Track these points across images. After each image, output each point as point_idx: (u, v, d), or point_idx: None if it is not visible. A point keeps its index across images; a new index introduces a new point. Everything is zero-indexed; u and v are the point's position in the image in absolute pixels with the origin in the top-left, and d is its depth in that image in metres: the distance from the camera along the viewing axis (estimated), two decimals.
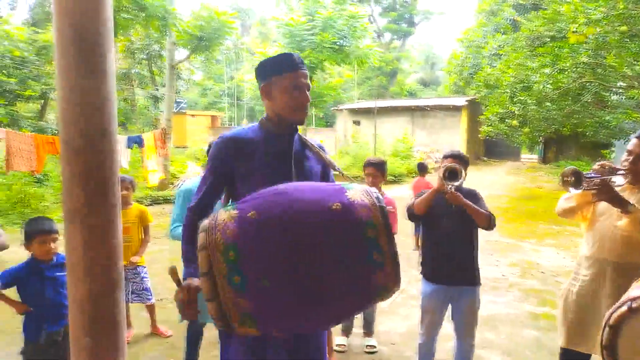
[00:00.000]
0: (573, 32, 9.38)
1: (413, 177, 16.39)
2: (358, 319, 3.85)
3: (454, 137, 21.79)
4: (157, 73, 19.46)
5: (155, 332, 3.85)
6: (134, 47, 18.38)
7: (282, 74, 1.79)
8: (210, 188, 1.82)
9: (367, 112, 23.38)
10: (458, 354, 2.98)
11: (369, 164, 3.61)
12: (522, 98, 10.91)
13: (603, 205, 2.42)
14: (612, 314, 1.18)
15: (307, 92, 1.85)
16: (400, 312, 4.51)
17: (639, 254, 2.35)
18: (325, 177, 2.04)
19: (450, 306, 2.94)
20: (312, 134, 24.91)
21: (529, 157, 26.95)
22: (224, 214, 1.40)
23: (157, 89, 19.40)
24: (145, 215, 3.85)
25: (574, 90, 10.92)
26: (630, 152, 2.38)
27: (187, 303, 1.61)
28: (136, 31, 16.82)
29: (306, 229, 1.33)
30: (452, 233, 2.83)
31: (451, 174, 2.60)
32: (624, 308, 1.14)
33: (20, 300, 2.60)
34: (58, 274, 2.58)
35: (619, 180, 2.43)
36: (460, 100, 22.24)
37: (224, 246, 1.32)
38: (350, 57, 18.61)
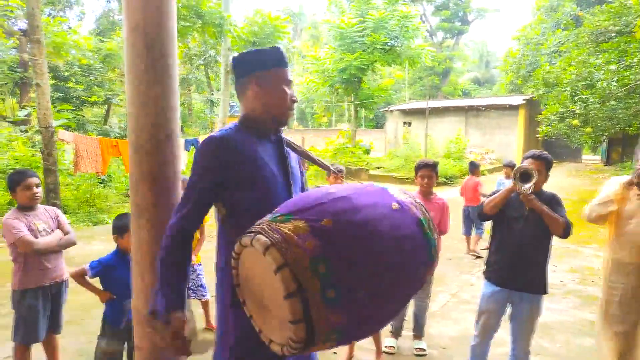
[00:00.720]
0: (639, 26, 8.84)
1: (462, 178, 16.01)
2: (408, 321, 3.83)
3: (509, 137, 21.02)
4: (213, 78, 20.19)
5: (209, 327, 4.02)
6: (191, 53, 19.14)
7: (271, 69, 1.65)
8: (201, 198, 1.57)
9: (418, 112, 23.04)
10: (512, 358, 2.89)
11: (422, 166, 3.51)
12: (584, 96, 10.39)
13: (631, 208, 2.38)
14: None
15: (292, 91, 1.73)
16: (452, 316, 4.44)
17: None
18: (301, 174, 1.92)
19: (509, 310, 2.86)
20: (362, 135, 24.87)
21: (591, 159, 25.55)
22: (285, 225, 1.28)
23: (213, 94, 20.11)
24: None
25: None
26: None
27: (176, 337, 1.47)
28: (193, 38, 17.52)
29: (383, 232, 1.31)
30: (524, 238, 2.71)
31: (523, 176, 2.50)
32: None
33: (102, 288, 2.82)
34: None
35: None
36: (517, 99, 21.42)
37: (311, 260, 1.21)
38: (401, 57, 18.45)
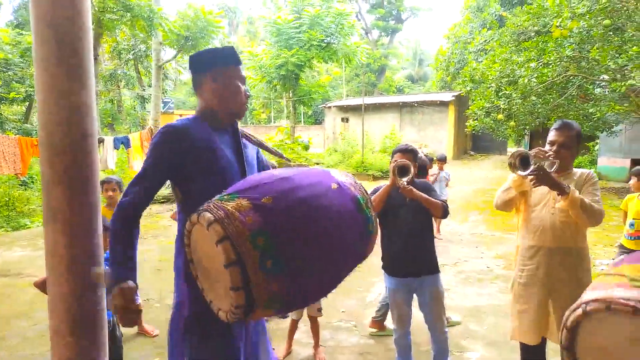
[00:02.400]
0: (557, 26, 9.50)
1: None
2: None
3: (441, 132, 21.93)
4: (144, 73, 19.35)
5: (142, 332, 3.88)
6: (120, 47, 18.23)
7: (227, 66, 1.77)
8: (154, 179, 1.71)
9: (355, 109, 23.44)
10: (434, 344, 3.04)
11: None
12: (507, 92, 11.03)
13: (536, 194, 2.56)
14: (568, 316, 1.23)
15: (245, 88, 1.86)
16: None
17: (579, 237, 2.51)
18: (260, 163, 2.08)
19: (416, 298, 3.01)
20: (301, 131, 24.94)
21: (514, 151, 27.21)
22: (230, 204, 1.41)
23: (144, 89, 19.28)
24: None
25: (559, 83, 11.05)
26: (552, 143, 2.55)
27: (127, 307, 1.57)
28: (122, 32, 16.70)
29: (322, 208, 1.45)
30: (409, 226, 2.89)
31: (401, 170, 2.68)
32: (579, 311, 1.19)
33: None
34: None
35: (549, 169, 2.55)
36: (447, 96, 22.38)
37: (251, 234, 1.34)
38: (338, 54, 18.69)
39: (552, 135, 2.59)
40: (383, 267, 3.07)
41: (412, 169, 2.68)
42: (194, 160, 1.69)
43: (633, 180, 4.43)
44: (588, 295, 1.21)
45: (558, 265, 2.51)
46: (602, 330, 1.16)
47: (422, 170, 4.52)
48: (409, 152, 2.96)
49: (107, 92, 18.93)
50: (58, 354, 1.59)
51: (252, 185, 1.49)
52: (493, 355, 3.61)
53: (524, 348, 2.68)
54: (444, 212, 2.81)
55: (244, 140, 1.92)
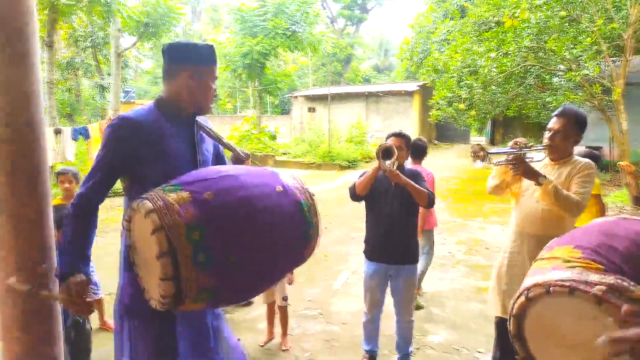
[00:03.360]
0: (508, 17, 9.76)
1: (367, 162, 16.65)
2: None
3: (406, 122, 22.22)
4: (103, 61, 18.66)
5: (104, 327, 3.79)
6: (77, 34, 17.51)
7: (204, 64, 1.77)
8: (109, 172, 1.69)
9: (322, 98, 23.42)
10: (398, 330, 3.11)
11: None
12: (468, 82, 11.27)
13: (527, 181, 2.58)
14: (513, 305, 1.27)
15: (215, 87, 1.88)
16: (352, 293, 4.64)
17: (559, 227, 2.49)
18: (219, 157, 2.08)
19: (389, 284, 3.05)
20: (267, 121, 24.76)
21: (477, 139, 27.92)
22: (171, 195, 1.42)
23: (104, 78, 18.63)
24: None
25: (518, 73, 11.38)
26: (550, 129, 2.56)
27: (73, 301, 1.55)
28: (79, 18, 16.05)
29: (262, 209, 1.48)
30: (393, 212, 2.89)
31: (385, 153, 2.65)
32: (522, 298, 1.24)
33: None
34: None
35: (538, 156, 2.60)
36: (412, 86, 22.66)
37: (187, 227, 1.36)
38: (303, 43, 18.58)
39: (550, 122, 2.60)
40: (364, 251, 3.10)
41: (396, 152, 2.64)
42: (145, 149, 1.68)
43: None
44: (528, 281, 1.26)
45: (536, 253, 2.57)
46: (545, 313, 1.20)
47: (422, 153, 4.61)
48: (401, 137, 2.96)
49: (65, 81, 18.18)
50: (8, 349, 1.55)
51: (197, 179, 1.50)
52: (455, 337, 3.72)
53: (500, 323, 2.75)
54: (429, 202, 2.79)
55: (202, 133, 1.92)
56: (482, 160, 2.45)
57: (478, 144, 2.48)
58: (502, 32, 10.88)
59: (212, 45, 1.82)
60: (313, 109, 24.94)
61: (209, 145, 1.96)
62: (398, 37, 50.90)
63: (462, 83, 11.47)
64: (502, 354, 2.81)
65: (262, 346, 3.56)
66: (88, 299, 1.59)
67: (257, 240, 1.46)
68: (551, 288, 1.16)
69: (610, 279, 1.11)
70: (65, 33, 17.34)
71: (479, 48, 11.34)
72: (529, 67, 11.18)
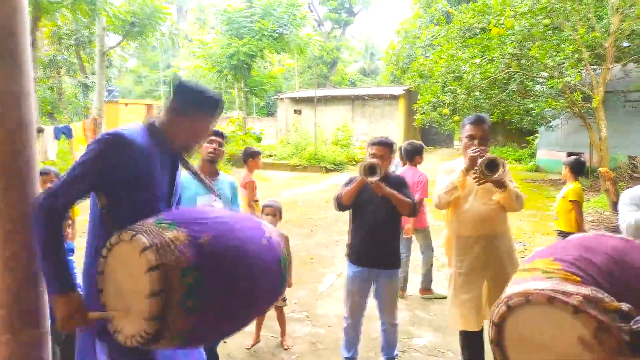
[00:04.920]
0: (495, 25, 9.92)
1: (353, 165, 16.71)
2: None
3: (391, 125, 22.36)
4: (87, 60, 18.39)
5: None
6: (61, 32, 17.21)
7: (209, 115, 1.79)
8: (89, 186, 1.62)
9: (308, 100, 23.43)
10: (382, 334, 3.15)
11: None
12: (452, 87, 11.40)
13: (467, 189, 2.73)
14: (494, 312, 1.31)
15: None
16: (338, 295, 4.65)
17: (504, 222, 2.76)
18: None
19: (372, 287, 3.10)
20: (253, 123, 24.69)
21: (460, 144, 28.23)
22: (169, 233, 1.38)
23: (87, 77, 18.35)
24: (72, 209, 3.71)
25: (501, 79, 11.55)
26: (472, 137, 2.68)
27: (75, 313, 1.52)
28: (63, 15, 15.80)
29: (251, 260, 1.50)
30: (378, 220, 2.94)
31: (370, 170, 2.67)
32: (503, 307, 1.28)
33: None
34: (70, 258, 2.54)
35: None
36: (398, 90, 22.81)
37: (184, 270, 1.34)
38: (290, 45, 18.56)
39: (469, 130, 2.70)
40: (346, 255, 3.15)
41: (380, 171, 2.67)
42: (132, 172, 1.63)
43: (565, 170, 4.71)
44: (509, 290, 1.30)
45: (496, 251, 2.69)
46: (524, 321, 1.25)
47: (415, 155, 4.70)
48: (385, 145, 2.97)
49: (47, 79, 17.84)
50: None
51: (193, 219, 1.49)
52: (439, 340, 3.76)
53: (465, 335, 2.82)
54: (413, 211, 2.86)
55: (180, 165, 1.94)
56: (490, 175, 2.48)
57: (491, 156, 2.48)
58: (487, 39, 11.04)
59: (220, 98, 1.84)
60: (299, 111, 24.95)
61: (178, 177, 1.97)
62: (384, 41, 51.25)
63: (446, 88, 11.60)
64: (471, 357, 2.88)
65: (248, 349, 3.55)
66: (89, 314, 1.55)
67: (242, 290, 1.48)
68: (531, 297, 1.21)
69: (587, 290, 1.15)
70: (49, 31, 17.04)
71: (463, 54, 11.48)
72: (512, 73, 11.36)
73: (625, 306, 1.09)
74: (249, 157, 4.61)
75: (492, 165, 2.44)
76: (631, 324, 1.02)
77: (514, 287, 1.31)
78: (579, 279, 1.20)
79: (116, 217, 1.62)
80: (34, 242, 1.52)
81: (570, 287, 1.18)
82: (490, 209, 2.69)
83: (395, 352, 3.19)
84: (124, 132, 1.64)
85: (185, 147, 1.84)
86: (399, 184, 2.95)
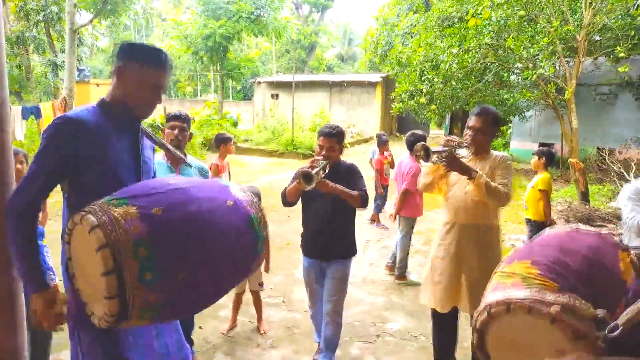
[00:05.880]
0: (472, 15, 9.99)
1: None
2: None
3: (369, 112, 22.43)
4: (56, 38, 17.70)
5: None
6: (28, 7, 16.49)
7: (149, 67, 1.70)
8: (53, 176, 1.60)
9: (285, 85, 23.25)
10: (324, 327, 3.01)
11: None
12: (430, 76, 11.47)
13: (454, 176, 2.79)
14: (476, 319, 1.36)
15: (162, 95, 1.81)
16: None
17: (489, 215, 2.76)
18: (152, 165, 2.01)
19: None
20: (229, 107, 24.36)
21: (436, 133, 28.57)
22: (117, 210, 1.36)
23: (57, 55, 17.68)
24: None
25: (477, 70, 11.67)
26: (471, 128, 2.76)
27: (54, 312, 1.55)
28: None
29: (212, 224, 1.45)
30: (325, 214, 2.92)
31: (306, 177, 2.47)
32: (485, 315, 1.32)
33: None
34: (40, 242, 2.47)
35: (462, 153, 2.80)
36: (375, 77, 22.83)
37: (133, 243, 1.31)
38: (268, 28, 18.30)
39: (471, 120, 2.78)
40: (300, 246, 3.16)
41: (315, 178, 2.46)
42: (87, 153, 1.60)
43: (534, 159, 4.83)
44: (490, 297, 1.34)
45: (470, 241, 2.75)
46: (505, 329, 1.30)
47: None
48: (331, 136, 2.83)
49: (14, 57, 17.12)
50: None
51: (144, 193, 1.45)
52: (413, 324, 3.85)
53: (436, 315, 2.92)
54: (363, 202, 2.79)
55: (144, 139, 1.87)
56: (426, 160, 2.59)
57: (422, 144, 2.59)
58: (465, 29, 11.11)
59: (162, 49, 1.77)
60: (276, 95, 24.73)
61: (149, 152, 1.91)
62: (362, 27, 50.97)
63: (423, 77, 11.65)
64: (440, 341, 3.01)
65: (224, 334, 3.56)
66: (57, 310, 1.55)
67: (206, 256, 1.44)
68: (511, 306, 1.25)
69: (565, 298, 1.20)
70: (15, 5, 16.33)
71: (441, 43, 11.53)
72: (488, 64, 11.48)
73: (601, 312, 1.14)
74: (221, 143, 4.58)
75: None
76: (606, 331, 1.07)
77: (495, 293, 1.35)
78: (557, 285, 1.25)
79: (78, 201, 1.58)
80: (8, 241, 1.52)
81: (548, 296, 1.22)
82: (470, 199, 2.72)
83: (333, 357, 3.05)
84: (71, 114, 1.63)
85: (139, 111, 1.76)
86: (350, 173, 2.89)
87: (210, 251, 1.44)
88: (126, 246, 1.30)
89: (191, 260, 1.40)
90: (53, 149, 1.56)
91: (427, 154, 2.55)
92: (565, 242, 1.42)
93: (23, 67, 18.07)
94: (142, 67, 1.68)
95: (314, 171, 2.47)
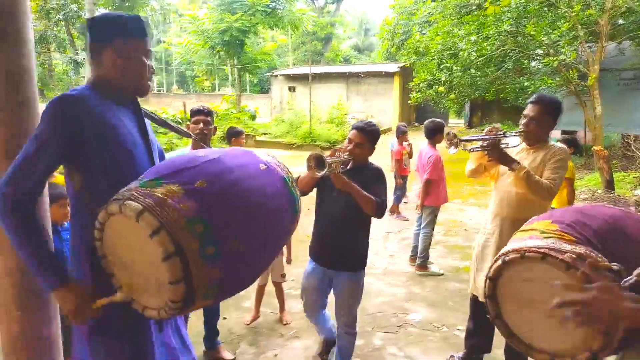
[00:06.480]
0: (490, 2, 9.82)
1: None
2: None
3: (386, 103, 22.26)
4: (77, 36, 18.04)
5: None
6: (49, 6, 16.84)
7: (130, 36, 1.56)
8: (53, 160, 1.43)
9: (302, 78, 23.21)
10: (337, 339, 2.84)
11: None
12: (448, 65, 11.34)
13: (503, 166, 2.67)
14: (490, 268, 1.36)
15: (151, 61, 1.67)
16: None
17: (531, 210, 2.53)
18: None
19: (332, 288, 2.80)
20: (247, 100, 24.48)
21: (456, 122, 28.21)
22: (156, 189, 1.28)
23: (77, 53, 18.02)
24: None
25: (497, 57, 11.48)
26: (525, 116, 2.66)
27: (82, 303, 1.42)
28: None
29: (256, 189, 1.41)
30: (336, 215, 2.62)
31: (317, 163, 2.25)
32: (499, 262, 1.33)
33: None
34: (68, 236, 2.57)
35: (514, 142, 2.71)
36: (393, 67, 22.63)
37: (187, 221, 1.25)
38: (283, 20, 18.32)
39: (526, 109, 2.67)
40: (309, 247, 2.85)
41: (328, 165, 2.24)
42: (93, 134, 1.46)
43: None
44: (506, 247, 1.35)
45: (509, 235, 2.67)
46: (518, 276, 1.31)
47: (438, 132, 4.86)
48: (364, 132, 2.59)
49: (38, 56, 17.54)
50: (6, 328, 1.56)
51: (177, 169, 1.37)
52: (435, 315, 3.85)
53: (474, 303, 2.90)
54: (378, 210, 2.49)
55: (146, 120, 1.75)
56: (456, 147, 2.51)
57: (452, 132, 2.54)
58: (483, 16, 10.93)
59: (136, 16, 1.60)
60: (293, 88, 24.73)
61: (151, 131, 1.76)
62: (379, 16, 50.39)
63: (442, 66, 11.53)
64: (475, 327, 2.96)
65: (247, 324, 3.62)
66: (100, 302, 1.43)
67: (257, 222, 1.40)
68: (526, 253, 1.25)
69: (581, 249, 1.20)
70: (36, 5, 16.67)
71: (459, 31, 11.37)
72: (508, 51, 11.29)
73: (616, 266, 1.13)
74: (232, 137, 4.65)
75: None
76: (621, 283, 1.06)
77: (511, 244, 1.36)
78: (574, 239, 1.24)
79: (96, 193, 1.45)
80: (9, 236, 1.38)
81: (565, 246, 1.22)
82: (515, 192, 2.60)
83: None
84: (69, 92, 1.49)
85: (133, 89, 1.62)
86: (373, 178, 2.60)
87: (260, 216, 1.41)
88: (181, 225, 1.23)
89: (246, 228, 1.36)
90: (53, 128, 1.41)
91: (457, 142, 2.48)
92: (587, 209, 1.43)
93: (46, 66, 18.47)
94: (119, 42, 1.53)
95: (329, 159, 2.27)
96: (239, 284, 1.48)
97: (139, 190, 1.28)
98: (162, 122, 1.87)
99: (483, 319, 2.86)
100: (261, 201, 1.41)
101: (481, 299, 2.77)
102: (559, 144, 2.74)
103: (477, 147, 2.56)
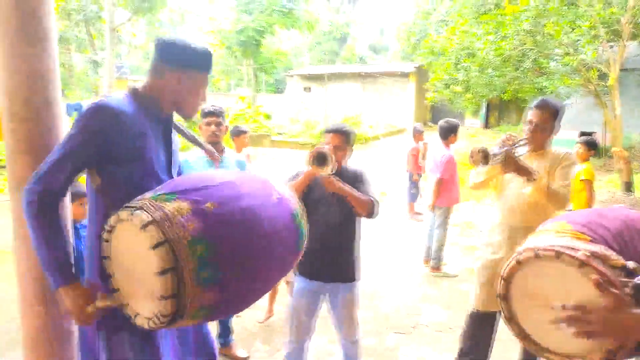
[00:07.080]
0: (509, 2, 9.70)
1: (362, 143, 16.68)
2: None
3: (402, 103, 22.17)
4: (96, 36, 18.35)
5: None
6: (70, 7, 17.15)
7: (198, 70, 1.62)
8: (80, 166, 1.48)
9: (318, 78, 23.26)
10: (343, 351, 2.73)
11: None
12: (465, 64, 11.25)
13: (509, 175, 2.58)
14: (504, 268, 1.35)
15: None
16: None
17: (544, 218, 2.52)
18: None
19: (327, 302, 2.63)
20: (262, 100, 24.59)
21: (472, 122, 27.95)
22: (167, 204, 1.30)
23: (97, 53, 18.34)
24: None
25: (515, 57, 11.35)
26: (530, 122, 2.56)
27: (85, 304, 1.44)
28: None
29: (263, 220, 1.39)
30: (329, 222, 2.45)
31: (319, 159, 2.17)
32: (513, 262, 1.32)
33: None
34: (85, 234, 2.63)
35: (521, 149, 2.57)
36: (408, 67, 22.53)
37: (191, 240, 1.25)
38: (300, 20, 18.37)
39: (529, 115, 2.60)
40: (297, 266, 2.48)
41: (331, 159, 2.17)
42: (122, 144, 1.49)
43: (578, 149, 4.62)
44: (520, 248, 1.34)
45: (521, 244, 2.61)
46: (532, 276, 1.29)
47: (452, 132, 4.83)
48: (341, 133, 2.48)
49: (59, 55, 17.93)
50: (27, 323, 1.60)
51: (193, 187, 1.37)
52: (448, 316, 3.83)
53: (474, 315, 2.78)
54: (370, 212, 2.37)
55: (174, 133, 1.78)
56: (483, 163, 2.38)
57: (478, 148, 2.37)
58: (501, 15, 10.82)
59: (209, 51, 1.67)
60: (309, 88, 24.78)
61: (175, 146, 1.80)
62: (395, 16, 50.18)
63: (459, 65, 11.45)
64: (471, 342, 2.84)
65: (261, 323, 3.65)
66: (98, 303, 1.45)
67: (259, 252, 1.39)
68: (540, 252, 1.24)
69: (595, 247, 1.19)
70: (57, 6, 16.98)
71: (477, 30, 11.28)
72: (526, 50, 11.15)
73: (632, 264, 1.11)
74: (234, 136, 4.67)
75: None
76: (635, 279, 1.05)
77: (525, 244, 1.36)
78: (589, 238, 1.23)
79: (113, 197, 1.51)
80: (29, 231, 1.42)
81: (579, 244, 1.21)
82: (525, 201, 2.53)
83: None
84: (109, 100, 1.52)
85: (179, 110, 1.66)
86: (356, 179, 2.47)
87: (262, 248, 1.39)
88: (184, 243, 1.24)
89: (246, 258, 1.35)
90: (86, 136, 1.44)
91: (485, 158, 2.33)
92: (603, 210, 1.40)
93: (66, 66, 18.82)
94: (185, 72, 1.59)
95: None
96: (231, 309, 1.49)
97: (151, 201, 1.31)
98: (191, 139, 1.89)
99: (484, 334, 2.80)
100: (266, 233, 1.40)
101: (481, 309, 2.71)
102: (564, 149, 2.65)
103: (496, 160, 2.42)
